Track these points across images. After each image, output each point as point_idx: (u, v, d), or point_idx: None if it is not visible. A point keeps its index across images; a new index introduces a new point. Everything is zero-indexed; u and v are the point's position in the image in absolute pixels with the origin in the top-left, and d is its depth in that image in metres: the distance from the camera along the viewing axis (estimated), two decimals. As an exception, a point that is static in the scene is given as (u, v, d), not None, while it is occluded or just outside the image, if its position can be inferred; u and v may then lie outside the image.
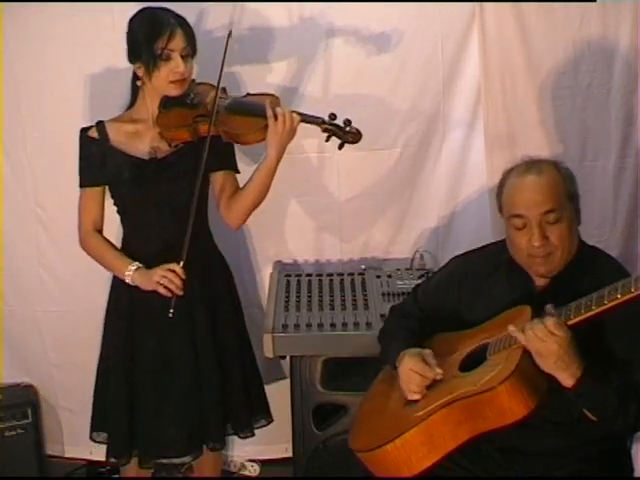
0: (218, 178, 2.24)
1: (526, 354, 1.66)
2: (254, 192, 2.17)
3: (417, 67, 2.52)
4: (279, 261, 2.76)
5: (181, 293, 2.08)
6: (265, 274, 2.73)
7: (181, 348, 2.21)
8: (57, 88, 2.53)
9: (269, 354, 2.28)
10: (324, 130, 2.10)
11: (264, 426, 2.39)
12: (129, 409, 2.23)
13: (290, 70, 2.52)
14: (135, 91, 2.18)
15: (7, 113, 2.55)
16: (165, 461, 2.27)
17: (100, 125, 2.16)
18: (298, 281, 2.60)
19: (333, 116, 2.08)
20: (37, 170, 2.62)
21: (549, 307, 1.65)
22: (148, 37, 2.02)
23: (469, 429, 1.69)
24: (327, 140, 2.11)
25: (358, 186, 2.66)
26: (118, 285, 2.25)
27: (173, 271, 2.08)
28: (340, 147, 2.11)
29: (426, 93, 2.55)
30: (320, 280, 2.61)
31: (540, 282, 1.83)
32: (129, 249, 2.23)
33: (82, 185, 2.19)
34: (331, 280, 2.60)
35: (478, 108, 2.54)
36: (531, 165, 1.81)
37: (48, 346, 2.80)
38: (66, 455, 2.92)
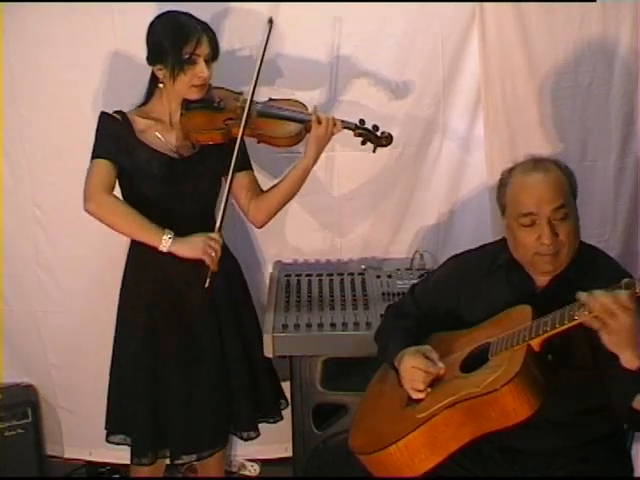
0: (243, 178, 2.28)
1: (529, 354, 1.65)
2: (286, 190, 2.26)
3: (417, 67, 2.52)
4: (279, 261, 2.76)
5: (216, 268, 2.11)
6: (265, 274, 2.73)
7: (208, 338, 2.24)
8: (56, 88, 2.52)
9: (269, 354, 2.28)
10: (358, 135, 2.23)
11: (285, 408, 2.44)
12: (153, 407, 2.23)
13: (297, 76, 2.53)
14: (151, 90, 2.21)
15: (7, 113, 2.55)
16: (195, 456, 2.29)
17: (122, 114, 2.17)
18: (298, 281, 2.59)
19: (363, 122, 2.22)
20: (36, 171, 2.62)
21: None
22: (175, 42, 2.07)
23: (472, 430, 1.69)
24: (363, 144, 2.23)
25: (358, 186, 2.66)
26: (133, 282, 2.24)
27: (217, 241, 2.10)
28: (374, 150, 2.25)
29: (426, 93, 2.55)
30: (320, 280, 2.60)
31: (540, 282, 1.82)
32: (142, 247, 2.18)
33: (99, 156, 2.12)
34: (331, 280, 2.60)
35: (478, 108, 2.54)
36: (535, 163, 1.82)
37: (47, 346, 2.80)
38: (66, 455, 2.92)
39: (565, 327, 1.60)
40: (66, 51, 2.49)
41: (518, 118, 2.51)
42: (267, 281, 2.66)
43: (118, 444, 2.33)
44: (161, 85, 2.16)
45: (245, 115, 2.14)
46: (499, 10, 2.41)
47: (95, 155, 2.13)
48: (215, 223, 2.18)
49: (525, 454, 1.81)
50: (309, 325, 2.31)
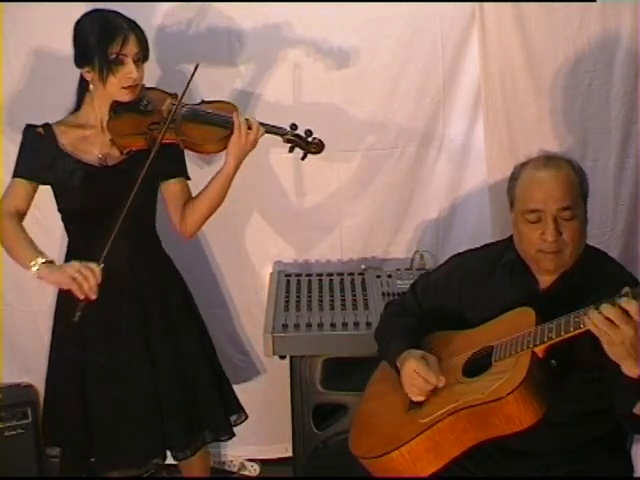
0: (170, 186, 2.19)
1: (534, 361, 1.63)
2: (210, 201, 2.14)
3: (417, 67, 2.51)
4: (279, 261, 2.76)
5: (94, 297, 1.92)
6: (265, 274, 2.73)
7: (135, 359, 2.16)
8: (57, 87, 2.52)
9: (269, 354, 2.28)
10: (287, 141, 2.10)
11: (243, 421, 2.36)
12: (84, 422, 2.18)
13: (296, 77, 2.53)
14: (81, 95, 2.14)
15: (7, 113, 2.54)
16: (117, 474, 2.23)
17: (47, 127, 2.11)
18: (298, 281, 2.60)
19: (294, 126, 2.09)
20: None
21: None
22: (101, 41, 1.98)
23: (475, 436, 1.68)
24: (291, 151, 2.11)
25: (358, 186, 2.66)
26: (66, 293, 2.18)
27: (91, 270, 1.91)
28: (303, 158, 2.12)
29: (426, 93, 2.54)
30: (320, 280, 2.61)
31: (544, 282, 1.81)
32: (73, 258, 2.12)
33: (19, 175, 2.09)
34: (331, 280, 2.60)
35: (478, 108, 2.54)
36: (548, 160, 1.80)
37: (47, 346, 2.79)
38: (66, 455, 2.92)
39: (570, 335, 1.58)
40: (67, 51, 2.48)
41: (518, 118, 2.51)
42: (267, 281, 2.67)
43: (55, 458, 2.28)
44: (91, 88, 2.07)
45: (169, 119, 2.02)
46: (499, 10, 2.41)
47: (14, 174, 2.11)
48: (159, 240, 2.17)
49: (525, 455, 1.81)
50: (309, 325, 2.31)
